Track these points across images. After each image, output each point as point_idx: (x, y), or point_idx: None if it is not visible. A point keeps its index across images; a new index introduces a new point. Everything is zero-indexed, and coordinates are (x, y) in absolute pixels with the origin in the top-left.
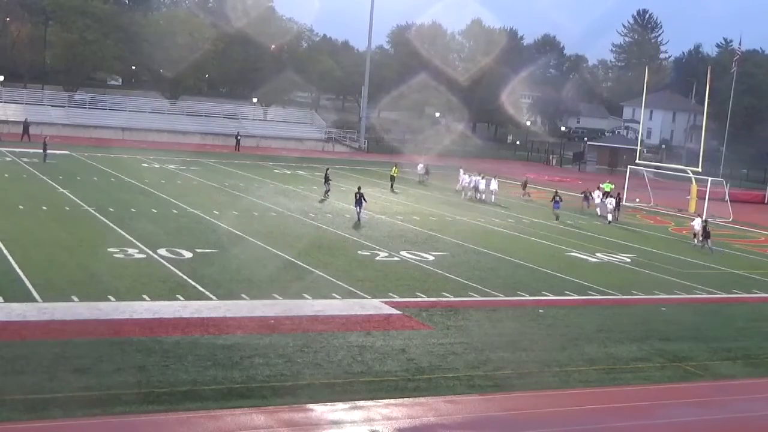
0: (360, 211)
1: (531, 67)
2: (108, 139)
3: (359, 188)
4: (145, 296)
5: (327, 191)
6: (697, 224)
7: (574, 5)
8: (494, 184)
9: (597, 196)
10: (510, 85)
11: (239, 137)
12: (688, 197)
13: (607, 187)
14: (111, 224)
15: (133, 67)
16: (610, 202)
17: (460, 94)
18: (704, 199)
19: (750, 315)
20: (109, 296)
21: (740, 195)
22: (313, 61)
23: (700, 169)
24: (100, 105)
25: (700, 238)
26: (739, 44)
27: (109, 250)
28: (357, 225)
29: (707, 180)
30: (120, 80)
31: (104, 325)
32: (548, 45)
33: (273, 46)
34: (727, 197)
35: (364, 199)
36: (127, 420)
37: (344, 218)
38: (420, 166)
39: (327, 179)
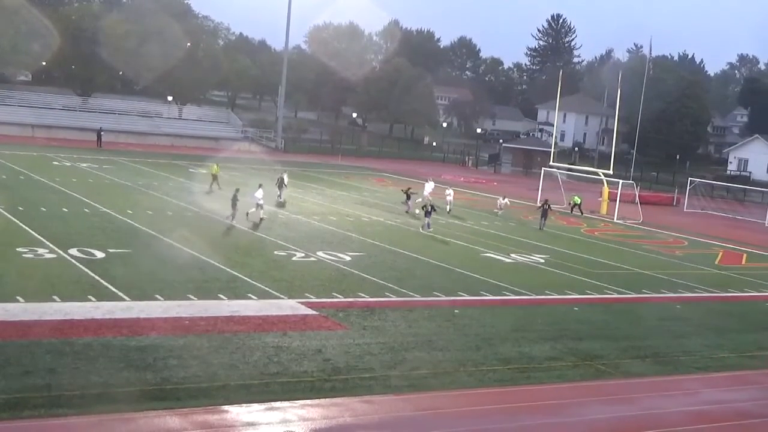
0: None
1: (447, 68)
2: (17, 136)
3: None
4: (55, 297)
5: (279, 195)
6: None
7: (491, 9)
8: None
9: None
10: (427, 86)
11: (102, 132)
12: (600, 199)
13: (576, 199)
14: (20, 223)
15: (44, 63)
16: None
17: (378, 94)
18: (615, 201)
19: (659, 314)
20: (18, 297)
21: (650, 197)
22: (230, 59)
23: (611, 172)
24: (8, 101)
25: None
26: (650, 50)
27: (17, 249)
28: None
29: (618, 182)
30: (29, 76)
31: (12, 327)
32: (464, 47)
33: (189, 44)
34: (637, 199)
35: (434, 209)
36: (36, 424)
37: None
38: None
39: (281, 185)
